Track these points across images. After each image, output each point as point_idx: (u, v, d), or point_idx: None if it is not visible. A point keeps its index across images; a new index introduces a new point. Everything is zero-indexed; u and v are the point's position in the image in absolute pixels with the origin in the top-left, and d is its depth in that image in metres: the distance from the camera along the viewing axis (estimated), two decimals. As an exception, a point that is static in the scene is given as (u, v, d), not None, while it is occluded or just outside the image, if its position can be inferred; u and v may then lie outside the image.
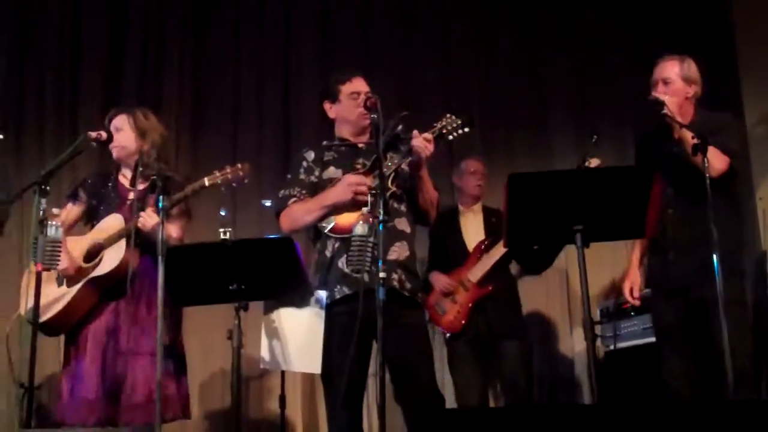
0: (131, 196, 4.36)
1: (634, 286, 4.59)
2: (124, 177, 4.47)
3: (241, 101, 6.61)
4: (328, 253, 3.95)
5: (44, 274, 3.80)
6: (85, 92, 6.45)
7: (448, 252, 5.46)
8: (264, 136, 6.50)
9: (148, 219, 4.11)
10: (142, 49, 6.58)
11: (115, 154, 4.44)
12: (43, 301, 4.01)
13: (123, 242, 4.17)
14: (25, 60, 6.49)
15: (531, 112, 6.63)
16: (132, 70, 6.52)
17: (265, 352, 3.92)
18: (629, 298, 4.61)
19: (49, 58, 6.48)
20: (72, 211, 4.44)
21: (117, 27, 6.60)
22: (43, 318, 4.08)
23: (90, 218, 4.46)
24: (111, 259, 4.17)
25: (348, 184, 3.89)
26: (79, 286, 4.17)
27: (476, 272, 5.28)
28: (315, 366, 3.85)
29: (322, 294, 3.86)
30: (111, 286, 4.17)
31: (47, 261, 3.65)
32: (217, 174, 4.14)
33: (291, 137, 6.48)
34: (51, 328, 4.21)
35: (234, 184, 4.17)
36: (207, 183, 4.13)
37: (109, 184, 4.46)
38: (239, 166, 4.16)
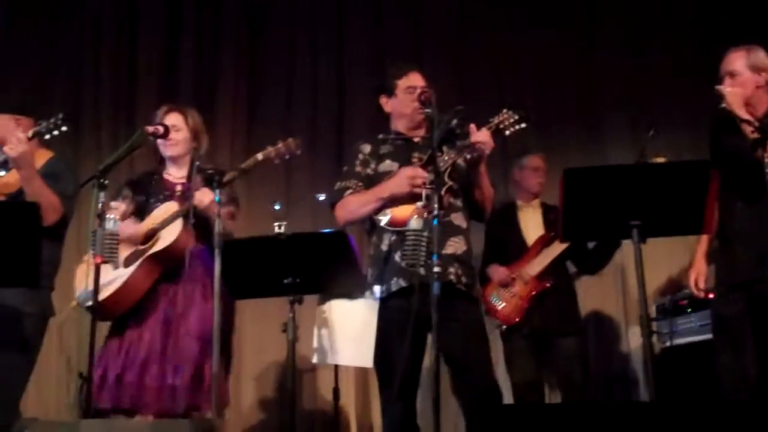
0: (178, 188, 4.41)
1: (700, 276, 4.52)
2: (169, 174, 4.51)
3: (295, 95, 6.63)
4: (384, 247, 3.95)
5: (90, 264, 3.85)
6: (141, 85, 6.53)
7: (506, 246, 5.42)
8: (317, 130, 6.51)
9: (205, 197, 4.12)
10: (197, 43, 6.63)
11: (168, 152, 4.46)
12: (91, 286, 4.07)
13: (179, 221, 4.20)
14: (83, 58, 6.57)
15: (584, 107, 6.56)
16: (187, 65, 6.58)
17: (317, 346, 3.94)
18: (694, 290, 4.54)
19: (105, 54, 6.56)
20: (120, 207, 4.45)
21: (173, 22, 6.65)
22: (99, 299, 4.06)
23: (140, 214, 4.49)
24: (167, 236, 4.20)
25: (405, 176, 3.89)
26: (137, 264, 4.21)
27: (535, 266, 5.25)
28: (367, 360, 3.87)
29: (377, 288, 3.87)
30: (168, 265, 4.19)
31: (106, 253, 3.69)
32: (270, 149, 4.16)
33: (344, 131, 6.48)
34: (105, 310, 4.17)
35: (287, 157, 4.17)
36: (261, 158, 4.15)
37: (153, 182, 4.49)
38: (291, 139, 4.17)
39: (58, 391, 5.78)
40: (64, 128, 3.92)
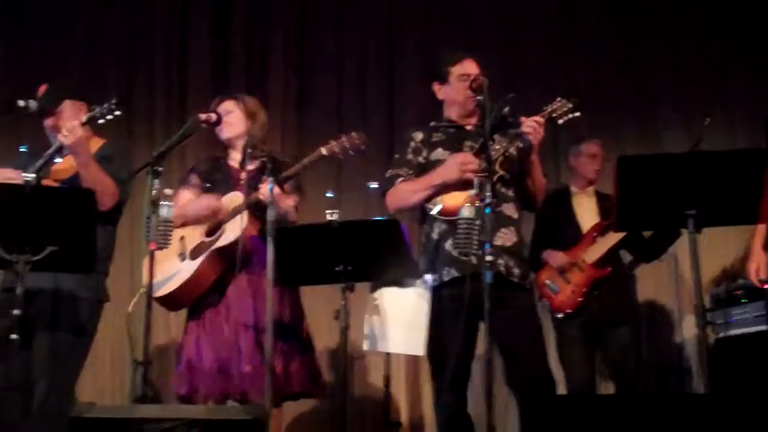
0: (243, 176, 4.43)
1: (761, 266, 4.46)
2: (233, 160, 4.54)
3: (345, 83, 6.63)
4: (435, 236, 3.94)
5: (166, 251, 3.90)
6: (192, 73, 6.56)
7: (559, 233, 5.38)
8: (368, 118, 6.50)
9: (268, 192, 4.14)
10: (248, 32, 6.66)
11: (224, 134, 4.49)
12: (165, 275, 4.16)
13: (244, 214, 4.21)
14: (136, 47, 6.63)
15: (637, 95, 6.49)
16: (238, 53, 6.60)
17: (368, 333, 3.96)
18: (755, 280, 4.48)
19: (157, 42, 6.61)
20: (186, 196, 4.50)
21: (223, 10, 6.69)
22: (167, 291, 4.19)
23: None
24: (233, 230, 4.22)
25: (456, 162, 3.88)
26: (203, 257, 4.25)
27: (592, 254, 5.22)
28: (417, 348, 3.88)
29: (429, 277, 3.87)
30: (234, 258, 4.20)
31: (160, 240, 3.73)
32: (333, 143, 4.16)
33: (394, 119, 6.48)
34: (173, 301, 4.27)
35: (351, 152, 4.17)
36: (324, 152, 4.16)
37: (220, 169, 4.53)
38: (354, 134, 4.16)
39: (115, 377, 5.88)
40: (117, 112, 3.93)
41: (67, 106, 4.21)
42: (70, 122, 3.91)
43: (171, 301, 4.28)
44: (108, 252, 4.20)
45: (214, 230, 4.33)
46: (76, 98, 4.25)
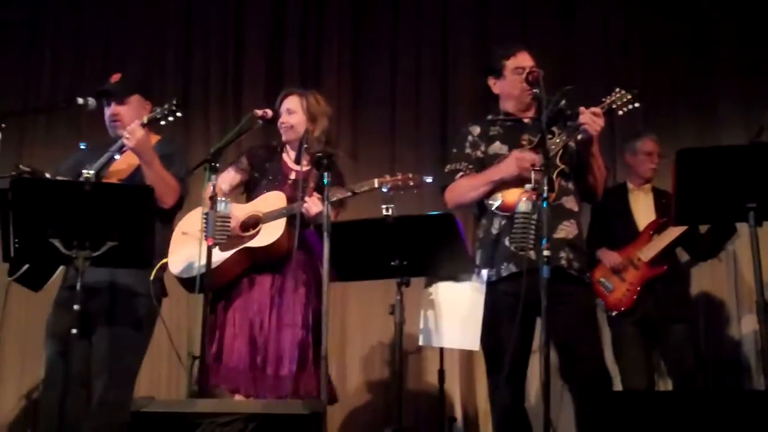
0: (293, 175, 4.45)
1: None
2: (288, 156, 4.56)
3: (399, 77, 6.61)
4: (494, 231, 3.92)
5: (192, 233, 4.01)
6: (247, 70, 6.61)
7: (616, 230, 5.35)
8: (421, 112, 6.50)
9: (313, 206, 4.16)
10: (302, 30, 6.67)
11: (284, 134, 4.53)
12: (190, 259, 4.16)
13: (282, 221, 4.24)
14: (191, 45, 6.69)
15: (695, 88, 6.39)
16: (292, 52, 6.62)
17: (423, 328, 3.95)
18: None
19: (213, 40, 6.67)
20: (234, 177, 4.53)
21: (278, 7, 6.72)
22: (189, 275, 4.17)
23: (249, 189, 4.57)
24: (268, 235, 4.24)
25: (514, 158, 3.85)
26: (232, 252, 4.25)
27: (648, 252, 5.17)
28: (472, 343, 3.86)
29: (485, 272, 3.86)
30: (261, 261, 4.24)
31: (218, 235, 3.76)
32: (389, 178, 4.19)
33: (448, 113, 6.46)
34: (192, 284, 4.17)
35: (402, 192, 4.18)
36: (376, 185, 4.19)
37: (273, 160, 4.55)
38: (410, 175, 4.19)
39: (163, 371, 5.94)
40: (178, 114, 3.99)
41: (135, 100, 4.27)
42: (132, 124, 3.96)
43: (190, 285, 4.22)
44: (166, 247, 4.24)
45: (249, 225, 4.34)
46: (145, 95, 4.31)
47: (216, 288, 4.24)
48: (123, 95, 4.24)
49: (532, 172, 3.60)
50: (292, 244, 4.19)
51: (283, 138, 4.53)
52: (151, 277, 3.95)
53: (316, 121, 4.52)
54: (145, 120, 3.99)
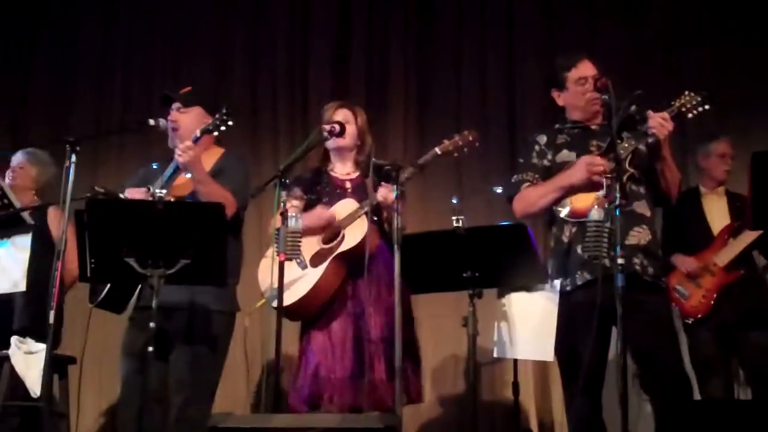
0: (348, 185, 4.48)
1: None
2: (335, 170, 4.57)
3: (464, 87, 6.59)
4: (565, 239, 3.88)
5: (268, 262, 3.98)
6: (313, 85, 6.65)
7: (689, 235, 5.25)
8: (488, 122, 6.46)
9: (390, 194, 4.11)
10: (368, 42, 6.69)
11: (337, 143, 4.48)
12: (288, 287, 4.13)
13: (363, 219, 4.24)
14: (258, 60, 6.76)
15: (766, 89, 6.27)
16: (358, 63, 6.65)
17: (497, 339, 3.93)
18: None
19: (279, 56, 6.72)
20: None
21: (344, 20, 6.75)
22: (289, 301, 4.13)
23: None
24: (354, 235, 4.24)
25: (584, 164, 3.82)
26: (326, 264, 4.26)
27: (723, 257, 5.07)
28: (547, 353, 3.83)
29: (557, 281, 3.82)
30: (356, 263, 4.20)
31: (288, 251, 3.78)
32: (447, 142, 4.22)
33: (516, 122, 6.42)
34: (298, 310, 4.26)
35: (465, 150, 4.23)
36: (439, 152, 4.22)
37: (323, 179, 4.54)
38: (467, 132, 4.25)
39: (240, 386, 5.97)
40: (230, 123, 4.00)
41: (196, 112, 4.29)
42: (186, 141, 4.01)
43: (296, 311, 4.25)
44: (237, 262, 4.26)
45: (332, 237, 4.35)
46: (208, 110, 4.30)
47: (321, 306, 4.27)
48: (185, 104, 4.30)
49: (603, 179, 3.55)
50: (377, 240, 4.26)
51: (337, 145, 4.50)
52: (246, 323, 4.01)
53: (365, 133, 4.54)
54: (198, 133, 4.03)
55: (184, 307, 4.00)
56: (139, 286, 3.98)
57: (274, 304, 3.87)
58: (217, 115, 4.02)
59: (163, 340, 3.88)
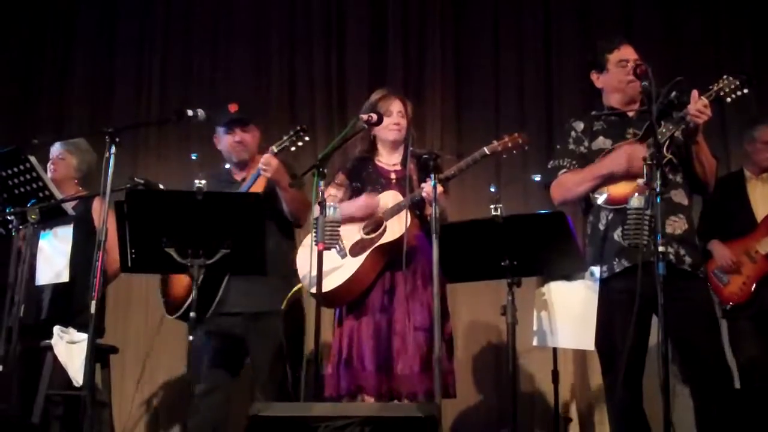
0: (393, 176, 4.46)
1: None
2: (381, 159, 4.56)
3: (501, 76, 6.54)
4: (601, 226, 3.87)
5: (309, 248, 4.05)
6: (351, 77, 6.63)
7: (731, 220, 5.15)
8: (526, 110, 6.42)
9: (432, 190, 4.12)
10: (404, 34, 6.65)
11: (390, 135, 4.48)
12: (327, 274, 4.15)
13: (407, 211, 4.23)
14: (295, 55, 6.76)
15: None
16: (395, 55, 6.60)
17: (537, 328, 3.92)
18: None
19: (316, 50, 6.71)
20: (335, 196, 4.53)
21: (379, 14, 6.73)
22: (329, 287, 4.15)
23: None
24: (396, 228, 4.25)
25: (624, 152, 3.80)
26: (366, 254, 4.27)
27: (766, 245, 4.99)
28: (587, 342, 3.82)
29: (596, 269, 3.80)
30: (396, 256, 4.21)
31: (327, 240, 3.80)
32: (496, 143, 4.21)
33: (553, 110, 6.37)
34: (335, 298, 4.27)
35: (514, 152, 4.22)
36: (487, 152, 4.21)
37: (368, 169, 4.53)
38: (516, 134, 4.22)
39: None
40: (306, 138, 4.37)
41: (254, 128, 4.76)
42: (266, 155, 4.35)
43: (332, 298, 4.27)
44: (292, 258, 4.48)
45: (374, 228, 4.36)
46: (257, 125, 4.79)
47: (357, 295, 4.32)
48: (248, 122, 4.72)
49: (644, 166, 3.52)
50: (420, 233, 4.26)
51: (390, 138, 4.48)
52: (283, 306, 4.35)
53: (410, 124, 4.52)
54: (275, 149, 4.35)
55: (248, 311, 4.46)
56: (218, 296, 4.33)
57: (312, 290, 3.92)
58: (292, 132, 4.36)
59: (238, 345, 4.45)
